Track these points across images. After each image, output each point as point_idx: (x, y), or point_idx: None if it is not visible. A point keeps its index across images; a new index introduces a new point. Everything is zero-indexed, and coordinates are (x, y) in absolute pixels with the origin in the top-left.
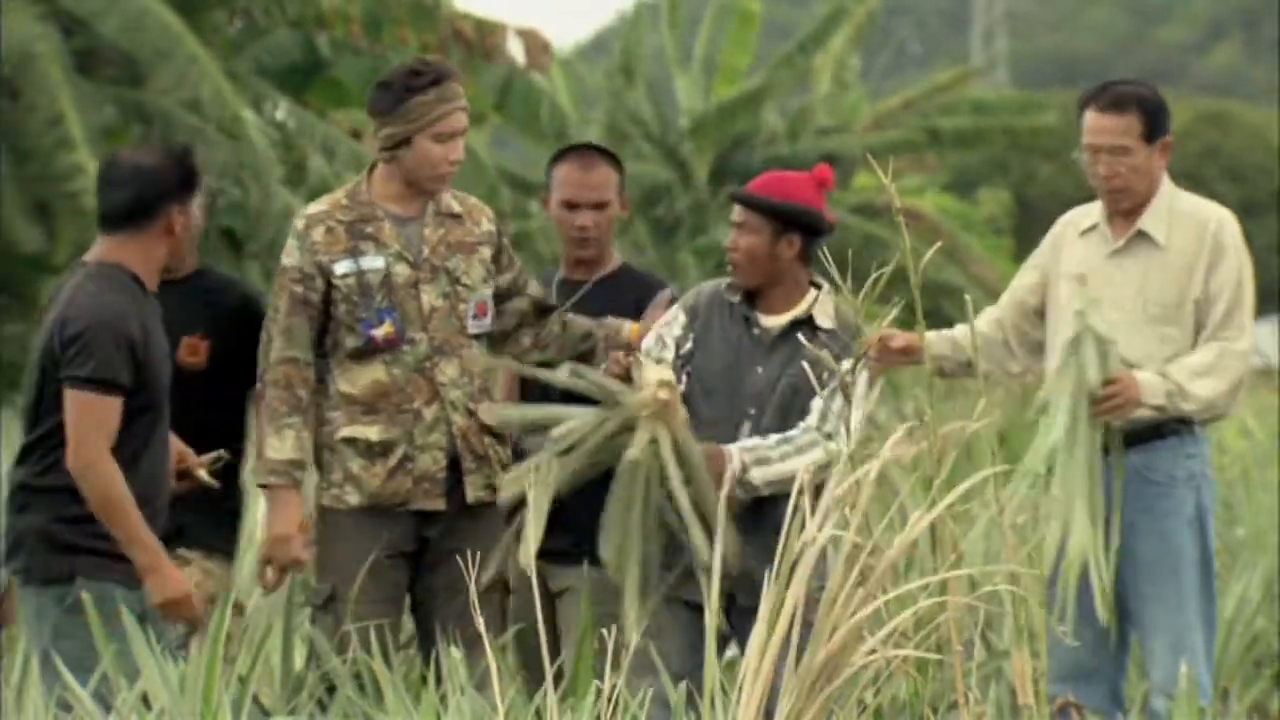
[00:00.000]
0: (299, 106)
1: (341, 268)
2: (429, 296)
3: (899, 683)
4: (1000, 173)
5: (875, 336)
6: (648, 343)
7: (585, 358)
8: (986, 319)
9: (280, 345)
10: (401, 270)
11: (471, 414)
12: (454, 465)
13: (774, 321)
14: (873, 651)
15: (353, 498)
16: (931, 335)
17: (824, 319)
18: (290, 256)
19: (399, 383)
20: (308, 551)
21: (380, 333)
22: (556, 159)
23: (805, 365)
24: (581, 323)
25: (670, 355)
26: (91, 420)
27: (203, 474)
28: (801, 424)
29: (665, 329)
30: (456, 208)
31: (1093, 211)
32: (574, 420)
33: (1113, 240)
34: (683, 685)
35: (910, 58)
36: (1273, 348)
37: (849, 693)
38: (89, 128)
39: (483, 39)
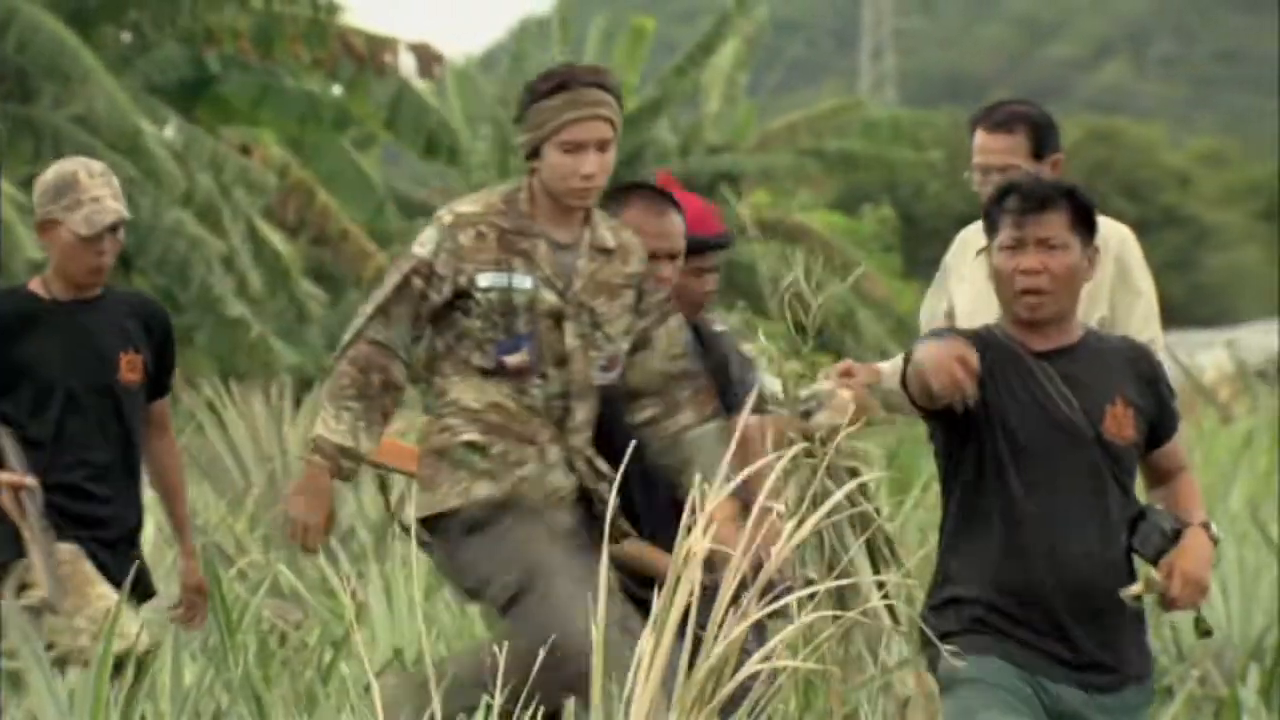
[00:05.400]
0: (188, 123)
1: (486, 279)
2: (570, 334)
3: (788, 698)
4: (887, 189)
5: (841, 366)
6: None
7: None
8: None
9: (373, 326)
10: (548, 298)
11: (590, 462)
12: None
13: None
14: (764, 660)
15: (482, 490)
16: (885, 367)
17: None
18: (424, 248)
19: (524, 416)
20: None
21: (514, 360)
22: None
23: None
24: (696, 450)
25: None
26: None
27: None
28: None
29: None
30: (610, 242)
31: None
32: None
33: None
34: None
35: (799, 74)
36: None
37: (732, 709)
38: None
39: (374, 54)
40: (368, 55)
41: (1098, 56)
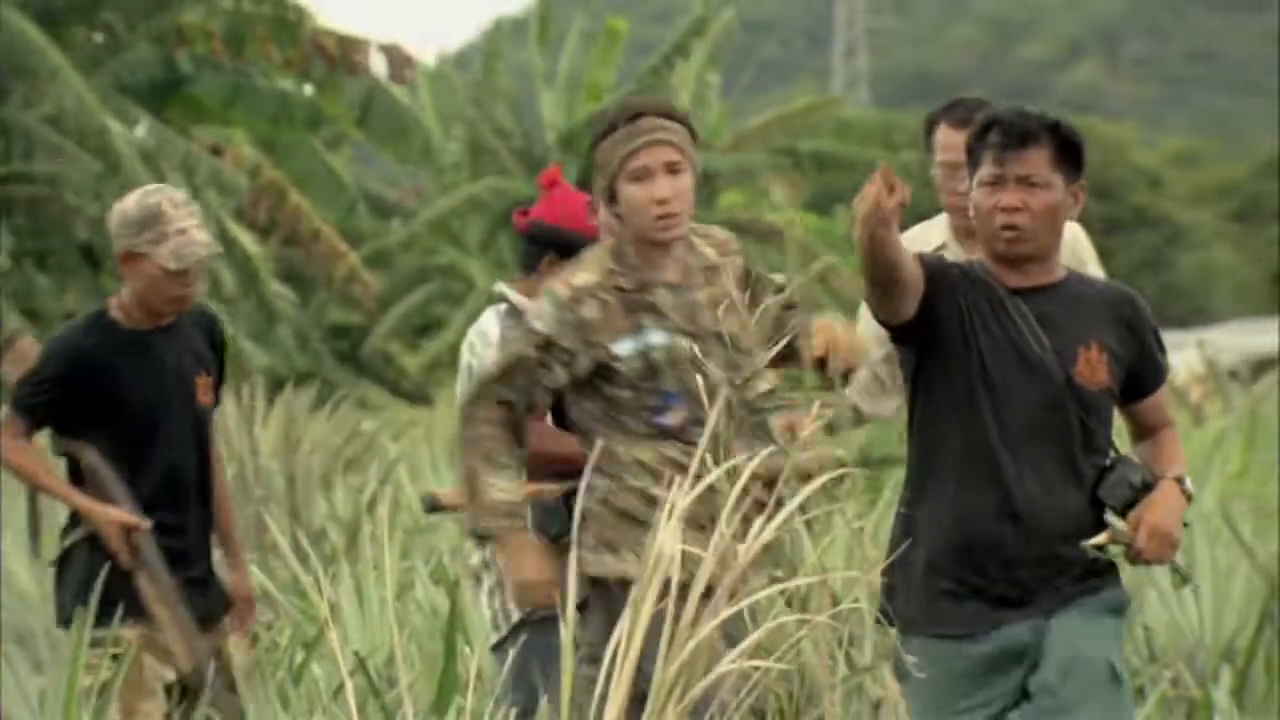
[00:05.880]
0: (159, 124)
1: (624, 348)
2: (714, 370)
3: (763, 697)
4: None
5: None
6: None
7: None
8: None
9: (496, 389)
10: (684, 344)
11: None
12: None
13: None
14: (735, 662)
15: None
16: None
17: None
18: (540, 321)
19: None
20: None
21: (669, 421)
22: None
23: None
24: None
25: None
26: None
27: None
28: None
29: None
30: (713, 257)
31: (938, 229)
32: None
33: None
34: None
35: (772, 74)
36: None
37: (704, 709)
38: None
39: (345, 54)
40: (339, 56)
41: (1070, 56)
